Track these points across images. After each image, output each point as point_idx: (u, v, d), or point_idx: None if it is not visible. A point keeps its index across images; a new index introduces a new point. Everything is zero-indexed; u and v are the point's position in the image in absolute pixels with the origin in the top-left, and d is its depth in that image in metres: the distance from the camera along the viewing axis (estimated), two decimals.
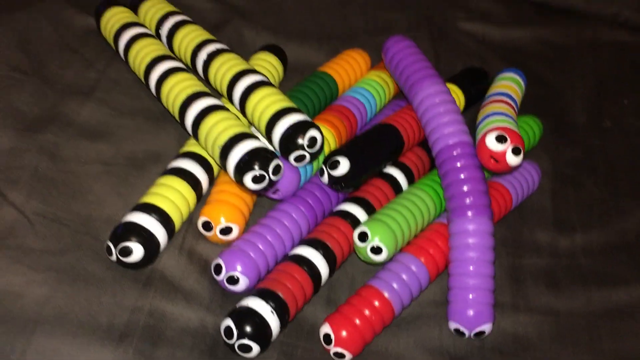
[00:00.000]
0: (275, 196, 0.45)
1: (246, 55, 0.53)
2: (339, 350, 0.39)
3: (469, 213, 0.43)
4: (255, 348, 0.37)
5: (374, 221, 0.43)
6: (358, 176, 0.44)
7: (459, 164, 0.44)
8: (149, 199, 0.42)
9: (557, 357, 0.43)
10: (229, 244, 0.43)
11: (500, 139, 0.44)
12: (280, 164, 0.41)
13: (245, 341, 0.37)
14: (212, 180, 0.46)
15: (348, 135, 0.50)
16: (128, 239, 0.39)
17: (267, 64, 0.53)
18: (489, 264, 0.42)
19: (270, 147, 0.42)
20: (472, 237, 0.42)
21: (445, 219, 0.46)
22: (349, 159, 0.44)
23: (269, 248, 0.42)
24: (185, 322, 0.39)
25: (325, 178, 0.44)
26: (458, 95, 0.54)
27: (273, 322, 0.38)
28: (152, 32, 0.53)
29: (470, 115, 0.54)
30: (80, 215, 0.43)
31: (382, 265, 0.44)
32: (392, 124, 0.48)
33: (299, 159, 0.43)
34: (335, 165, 0.44)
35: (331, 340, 0.39)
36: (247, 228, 0.44)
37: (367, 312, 0.40)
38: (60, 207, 0.42)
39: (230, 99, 0.47)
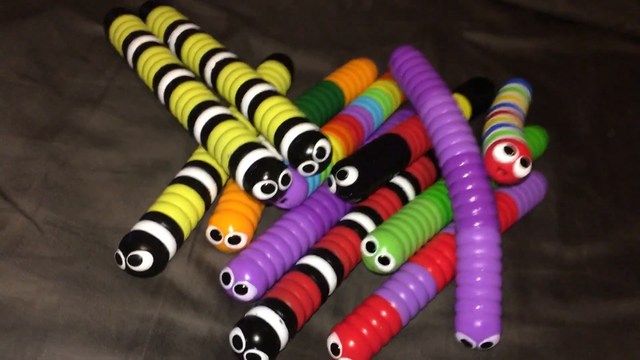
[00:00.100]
0: (283, 205, 0.45)
1: (253, 64, 0.54)
2: None
3: (477, 224, 0.43)
4: (264, 357, 0.37)
5: (382, 231, 0.43)
6: (366, 186, 0.45)
7: (466, 175, 0.44)
8: (158, 207, 0.42)
9: None
10: (237, 253, 0.43)
11: (508, 151, 0.44)
12: (290, 173, 0.41)
13: (254, 351, 0.37)
14: (220, 188, 0.46)
15: (355, 145, 0.50)
16: (138, 248, 0.39)
17: (275, 73, 0.53)
18: (496, 275, 0.42)
19: (279, 157, 0.42)
20: (480, 248, 0.42)
21: (452, 230, 0.46)
22: (357, 169, 0.44)
23: (277, 257, 0.42)
24: (194, 331, 0.40)
25: (334, 188, 0.45)
26: (464, 105, 0.54)
27: (281, 331, 0.38)
28: (161, 41, 0.53)
29: (476, 125, 0.54)
30: (89, 223, 0.43)
31: (390, 275, 0.44)
32: (399, 134, 0.48)
33: (308, 168, 0.43)
34: (343, 175, 0.44)
35: (339, 350, 0.39)
36: (255, 237, 0.44)
37: (374, 322, 0.40)
38: (70, 215, 0.43)
39: (238, 108, 0.48)
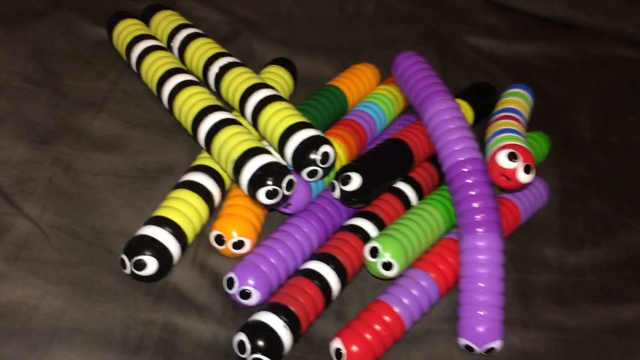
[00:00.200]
0: (287, 210, 0.45)
1: (256, 68, 0.54)
2: None
3: (480, 230, 0.43)
4: None
5: (386, 237, 0.43)
6: (369, 192, 0.45)
7: (469, 181, 0.45)
8: (162, 212, 0.42)
9: None
10: (241, 257, 0.44)
11: (512, 157, 0.44)
12: (294, 179, 0.41)
13: (258, 355, 0.37)
14: (224, 193, 0.46)
15: (358, 150, 0.50)
16: (142, 253, 0.40)
17: (278, 77, 0.54)
18: (499, 280, 0.43)
19: (283, 162, 0.42)
20: (483, 254, 0.43)
21: (455, 235, 0.46)
22: (361, 174, 0.44)
23: (280, 262, 0.42)
24: (198, 336, 0.40)
25: (337, 193, 0.45)
26: (467, 110, 0.55)
27: (285, 336, 0.39)
28: (164, 45, 0.53)
29: (478, 130, 0.54)
30: (94, 227, 0.43)
31: (393, 280, 0.44)
32: (402, 139, 0.48)
33: (312, 174, 0.43)
34: (347, 180, 0.44)
35: (342, 355, 0.40)
36: (259, 242, 0.44)
37: (377, 327, 0.41)
38: (75, 220, 0.43)
39: (242, 112, 0.48)
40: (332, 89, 0.53)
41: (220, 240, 0.43)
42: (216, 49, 0.51)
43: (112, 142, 0.48)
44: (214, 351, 0.39)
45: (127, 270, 0.40)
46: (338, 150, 0.47)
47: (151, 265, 0.40)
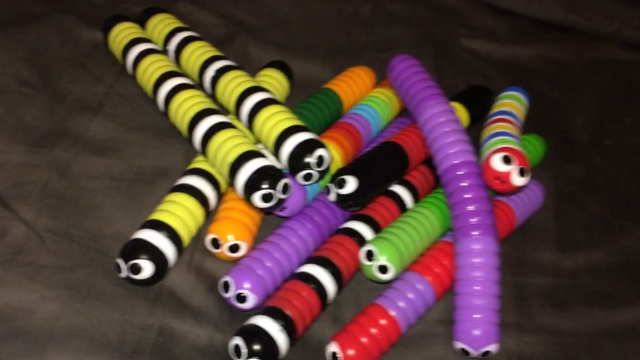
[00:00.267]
0: (282, 214, 0.45)
1: (252, 71, 0.54)
2: None
3: (475, 233, 0.43)
4: None
5: (381, 240, 0.43)
6: (365, 195, 0.45)
7: (464, 184, 0.45)
8: (158, 216, 0.42)
9: None
10: (237, 261, 0.44)
11: (506, 160, 0.44)
12: (289, 182, 0.41)
13: (254, 359, 0.37)
14: (220, 197, 0.46)
15: (354, 153, 0.50)
16: (138, 257, 0.40)
17: (274, 81, 0.54)
18: (494, 283, 0.43)
19: (278, 166, 0.42)
20: (478, 257, 0.43)
21: (451, 238, 0.46)
22: (356, 177, 0.44)
23: (276, 266, 0.42)
24: (194, 340, 0.40)
25: (333, 196, 0.45)
26: (462, 113, 0.55)
27: (281, 340, 0.39)
28: (160, 48, 0.53)
29: (473, 133, 0.54)
30: (90, 231, 0.43)
31: (389, 283, 0.44)
32: (398, 142, 0.48)
33: (307, 177, 0.43)
34: (342, 183, 0.44)
35: (338, 358, 0.40)
36: (254, 245, 0.44)
37: (373, 330, 0.41)
38: (71, 223, 0.43)
39: (238, 116, 0.48)
40: (328, 92, 0.53)
41: (216, 243, 0.43)
42: (212, 52, 0.52)
43: (108, 146, 0.48)
44: (210, 355, 0.39)
45: (123, 274, 0.40)
46: (333, 154, 0.48)
47: (147, 269, 0.40)
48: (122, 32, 0.53)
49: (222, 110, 0.48)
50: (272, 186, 0.40)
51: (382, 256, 0.42)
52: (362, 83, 0.56)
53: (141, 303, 0.40)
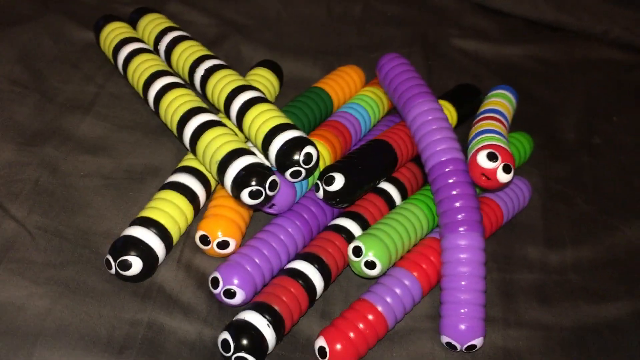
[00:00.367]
0: (271, 211, 0.45)
1: (243, 71, 0.54)
2: None
3: (461, 229, 0.44)
4: None
5: (368, 236, 0.44)
6: (353, 192, 0.45)
7: (451, 181, 0.45)
8: (147, 213, 0.43)
9: None
10: (225, 257, 0.44)
11: (491, 157, 0.45)
12: (277, 179, 0.41)
13: (242, 354, 0.38)
14: (209, 194, 0.47)
15: (343, 151, 0.50)
16: (127, 253, 0.40)
17: (264, 80, 0.54)
18: (480, 279, 0.43)
19: (267, 163, 0.42)
20: (464, 253, 0.43)
21: (438, 234, 0.47)
22: (344, 175, 0.44)
23: (265, 262, 0.43)
24: (183, 335, 0.40)
25: (321, 193, 0.45)
26: (451, 112, 0.55)
27: (269, 335, 0.39)
28: (151, 48, 0.54)
29: (462, 131, 0.55)
30: (80, 228, 0.43)
31: (376, 279, 0.45)
32: (386, 140, 0.49)
33: (295, 174, 0.44)
34: (330, 181, 0.44)
35: (326, 353, 0.40)
36: (243, 242, 0.45)
37: (361, 325, 0.41)
38: (61, 221, 0.43)
39: (227, 114, 0.48)
40: (318, 91, 0.54)
41: (205, 240, 0.44)
42: (202, 51, 0.52)
43: (99, 145, 0.49)
44: (199, 350, 0.40)
45: (112, 271, 0.40)
46: (322, 151, 0.48)
47: (136, 265, 0.40)
48: (113, 32, 0.54)
49: (211, 108, 0.48)
50: (260, 183, 0.40)
51: (369, 252, 0.43)
52: (352, 82, 0.56)
53: (131, 299, 0.41)
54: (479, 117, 0.52)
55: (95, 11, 0.57)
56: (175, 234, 0.43)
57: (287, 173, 0.44)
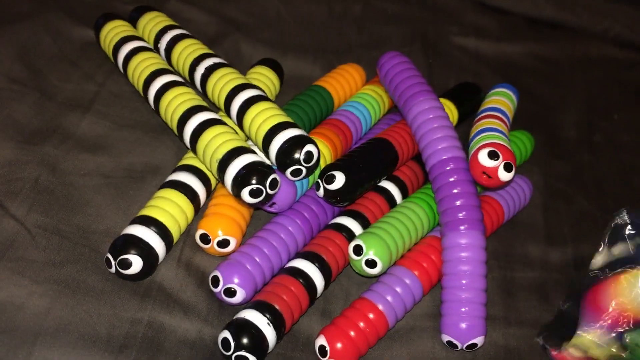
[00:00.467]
0: (271, 209, 0.45)
1: (243, 69, 0.54)
2: None
3: (462, 227, 0.44)
4: None
5: (369, 235, 0.44)
6: (353, 190, 0.45)
7: (452, 179, 0.45)
8: (147, 211, 0.42)
9: None
10: (226, 256, 0.44)
11: (493, 155, 0.45)
12: (277, 178, 0.41)
13: (242, 353, 0.38)
14: (209, 193, 0.47)
15: (343, 149, 0.50)
16: (127, 252, 0.40)
17: (264, 78, 0.54)
18: (481, 277, 0.43)
19: (267, 161, 0.42)
20: (465, 251, 0.43)
21: (439, 233, 0.46)
22: (345, 173, 0.44)
23: (265, 261, 0.43)
24: (183, 334, 0.40)
25: (321, 192, 0.45)
26: (451, 110, 0.55)
27: (269, 334, 0.39)
28: (151, 46, 0.54)
29: (463, 129, 0.55)
30: (80, 227, 0.43)
31: (377, 278, 0.45)
32: (387, 139, 0.49)
33: (296, 173, 0.44)
34: (331, 179, 0.44)
35: (326, 352, 0.40)
36: (244, 241, 0.45)
37: (361, 324, 0.41)
38: (61, 219, 0.43)
39: (227, 113, 0.48)
40: (318, 89, 0.54)
41: (205, 239, 0.43)
42: (202, 50, 0.52)
43: (99, 143, 0.49)
44: (199, 349, 0.40)
45: (112, 269, 0.40)
46: (323, 150, 0.48)
47: (136, 264, 0.40)
48: (113, 31, 0.53)
49: (212, 107, 0.48)
50: (261, 182, 0.40)
51: (369, 251, 0.43)
52: (353, 80, 0.56)
53: (131, 298, 0.41)
54: (480, 116, 0.52)
55: (95, 9, 0.57)
56: (175, 233, 0.43)
57: (288, 171, 0.43)
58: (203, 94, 0.51)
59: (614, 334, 0.42)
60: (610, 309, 0.42)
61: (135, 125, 0.51)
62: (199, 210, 0.46)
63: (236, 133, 0.45)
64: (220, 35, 0.62)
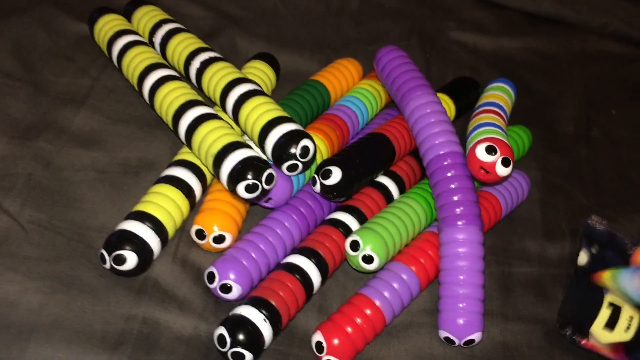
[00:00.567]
0: (268, 205, 0.45)
1: (239, 63, 0.54)
2: (331, 358, 0.40)
3: (459, 223, 0.43)
4: (248, 356, 0.38)
5: (366, 230, 0.43)
6: (350, 185, 0.45)
7: (449, 174, 0.45)
8: (142, 207, 0.42)
9: None
10: (222, 252, 0.44)
11: (490, 150, 0.44)
12: (273, 173, 0.41)
13: (238, 349, 0.37)
14: (205, 188, 0.46)
15: (340, 144, 0.50)
16: (122, 247, 0.40)
17: (260, 72, 0.54)
18: (478, 273, 0.43)
19: (263, 156, 0.42)
20: (462, 247, 0.43)
21: (436, 228, 0.46)
22: (341, 168, 0.44)
23: (261, 256, 0.42)
24: (179, 330, 0.40)
25: (318, 187, 0.45)
26: (449, 105, 0.55)
27: (266, 330, 0.39)
28: (146, 40, 0.53)
29: (461, 124, 0.54)
30: (74, 222, 0.43)
31: (374, 274, 0.45)
32: (384, 134, 0.49)
33: (292, 168, 0.43)
34: (327, 174, 0.44)
35: (323, 348, 0.40)
36: (240, 236, 0.44)
37: (358, 320, 0.41)
38: (55, 215, 0.43)
39: (223, 107, 0.48)
40: (315, 84, 0.53)
41: (201, 234, 0.43)
42: (198, 44, 0.51)
43: (93, 138, 0.48)
44: (195, 346, 0.39)
45: (107, 265, 0.40)
46: (319, 145, 0.48)
47: (131, 260, 0.40)
48: (107, 24, 0.53)
49: (207, 101, 0.48)
50: (257, 177, 0.40)
51: (366, 246, 0.43)
52: (349, 75, 0.56)
53: (125, 294, 0.40)
54: (478, 110, 0.52)
55: (89, 3, 0.57)
56: (170, 228, 0.42)
57: (284, 166, 0.43)
58: (198, 88, 0.51)
59: None
60: None
61: (130, 120, 0.50)
62: (195, 205, 0.46)
63: (232, 128, 0.44)
64: (216, 29, 0.62)
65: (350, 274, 0.46)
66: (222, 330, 0.38)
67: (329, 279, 0.45)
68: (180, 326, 0.40)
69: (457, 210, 0.43)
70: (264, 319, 0.39)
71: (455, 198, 0.44)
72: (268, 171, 0.40)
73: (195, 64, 0.50)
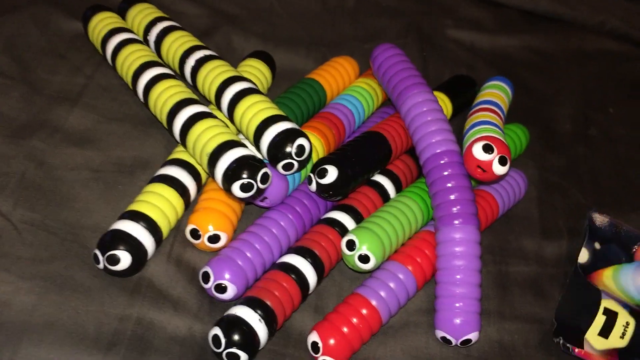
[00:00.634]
0: (263, 204, 0.45)
1: (235, 62, 0.54)
2: (327, 358, 0.39)
3: (456, 222, 0.43)
4: (243, 356, 0.37)
5: (362, 229, 0.43)
6: (346, 184, 0.44)
7: (446, 173, 0.44)
8: (136, 206, 0.42)
9: None
10: (217, 251, 0.43)
11: (487, 149, 0.44)
12: (269, 172, 0.41)
13: (233, 350, 0.37)
14: (200, 187, 0.46)
15: (336, 143, 0.50)
16: (116, 247, 0.39)
17: (256, 71, 0.53)
18: (475, 272, 0.43)
19: (258, 155, 0.42)
20: (459, 246, 0.43)
21: (433, 227, 0.46)
22: (337, 167, 0.44)
23: (257, 256, 0.42)
24: (173, 331, 0.39)
25: (314, 186, 0.44)
26: (445, 103, 0.55)
27: (261, 330, 0.38)
28: (140, 38, 0.53)
29: (458, 123, 0.54)
30: (67, 222, 0.42)
31: (370, 273, 0.44)
32: (380, 132, 0.48)
33: (287, 167, 0.43)
34: (323, 173, 0.44)
35: (319, 348, 0.39)
36: (235, 236, 0.44)
37: (354, 320, 0.40)
38: (48, 215, 0.42)
39: (218, 106, 0.47)
40: (311, 82, 0.53)
41: (196, 234, 0.43)
42: (193, 42, 0.51)
43: (87, 137, 0.48)
44: (190, 346, 0.39)
45: (101, 265, 0.40)
46: (315, 144, 0.47)
47: (125, 260, 0.39)
48: (101, 22, 0.53)
49: (202, 100, 0.47)
50: (252, 176, 0.40)
51: (363, 245, 0.42)
52: (346, 73, 0.56)
53: (119, 294, 0.40)
54: (475, 109, 0.52)
55: (83, 1, 0.56)
56: (165, 228, 0.42)
57: (279, 165, 0.43)
58: (193, 86, 0.50)
59: None
60: None
61: (124, 119, 0.50)
62: (189, 205, 0.45)
63: (227, 126, 0.44)
64: (212, 27, 0.61)
65: (347, 273, 0.46)
66: (217, 330, 0.38)
67: (325, 279, 0.45)
68: (175, 326, 0.40)
69: (454, 209, 0.43)
70: (259, 319, 0.38)
71: (452, 197, 0.44)
72: (263, 170, 0.40)
73: (190, 62, 0.49)
